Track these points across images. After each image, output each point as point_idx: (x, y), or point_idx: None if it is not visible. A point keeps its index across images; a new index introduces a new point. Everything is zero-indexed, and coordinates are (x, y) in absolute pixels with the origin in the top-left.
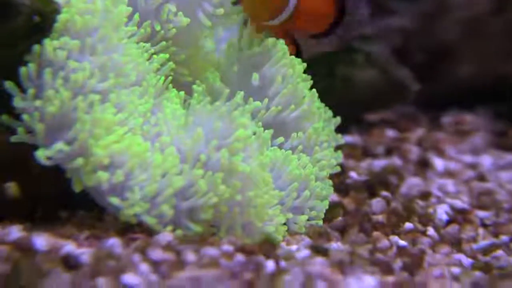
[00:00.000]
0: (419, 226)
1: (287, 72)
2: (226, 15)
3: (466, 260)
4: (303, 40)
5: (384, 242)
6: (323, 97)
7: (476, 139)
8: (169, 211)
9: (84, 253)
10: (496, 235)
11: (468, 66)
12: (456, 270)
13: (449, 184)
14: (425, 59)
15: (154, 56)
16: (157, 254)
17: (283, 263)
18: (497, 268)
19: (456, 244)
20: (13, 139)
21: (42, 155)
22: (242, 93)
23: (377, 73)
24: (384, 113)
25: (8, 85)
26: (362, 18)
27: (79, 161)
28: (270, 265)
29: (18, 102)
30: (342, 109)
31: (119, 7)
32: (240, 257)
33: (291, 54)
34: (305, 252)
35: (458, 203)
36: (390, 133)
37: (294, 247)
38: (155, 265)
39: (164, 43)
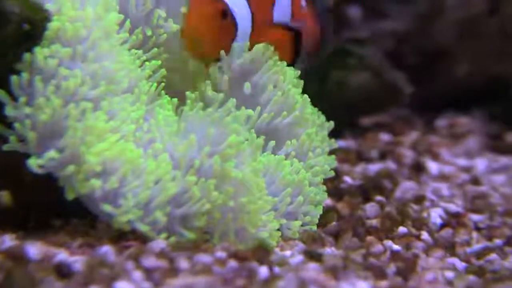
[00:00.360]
0: (413, 230)
1: (279, 78)
2: None
3: (460, 264)
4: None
5: (377, 247)
6: (316, 101)
7: (470, 142)
8: (162, 218)
9: (77, 261)
10: (489, 238)
11: (463, 67)
12: (449, 274)
13: (443, 188)
14: (420, 61)
15: (146, 63)
16: (150, 261)
17: (276, 269)
18: (491, 272)
19: (450, 248)
20: (5, 147)
21: (34, 163)
22: (234, 100)
23: (371, 77)
24: (378, 116)
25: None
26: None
27: (72, 168)
28: (263, 271)
29: (10, 111)
30: (336, 113)
31: (110, 14)
32: (233, 263)
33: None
34: (298, 258)
35: (452, 207)
36: (385, 137)
37: (288, 252)
38: (148, 272)
39: (156, 49)
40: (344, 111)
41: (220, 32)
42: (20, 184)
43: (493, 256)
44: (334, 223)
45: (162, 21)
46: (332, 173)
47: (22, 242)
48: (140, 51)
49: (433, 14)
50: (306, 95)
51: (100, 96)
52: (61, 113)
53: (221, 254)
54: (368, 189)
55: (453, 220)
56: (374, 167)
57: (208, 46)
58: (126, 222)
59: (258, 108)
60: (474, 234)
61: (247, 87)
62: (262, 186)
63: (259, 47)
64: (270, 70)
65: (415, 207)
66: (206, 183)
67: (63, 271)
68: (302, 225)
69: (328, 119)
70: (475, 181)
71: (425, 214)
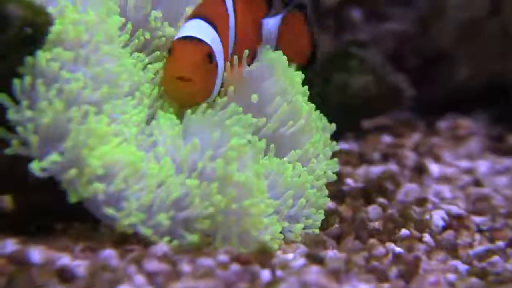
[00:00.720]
0: (415, 233)
1: (286, 87)
2: None
3: (462, 266)
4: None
5: (380, 249)
6: (318, 104)
7: (472, 144)
8: (165, 221)
9: (80, 265)
10: (492, 240)
11: (465, 70)
12: (452, 276)
13: (446, 190)
14: (421, 63)
15: (149, 65)
16: (152, 265)
17: (279, 272)
18: (493, 274)
19: (452, 250)
20: (8, 151)
21: (36, 167)
22: (235, 103)
23: (372, 79)
24: (380, 119)
25: (1, 97)
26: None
27: (74, 172)
28: (265, 274)
29: (12, 114)
30: (338, 116)
31: (112, 17)
32: (235, 267)
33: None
34: (301, 261)
35: (454, 209)
36: (386, 139)
37: (290, 256)
38: (151, 276)
39: (158, 53)
40: (346, 113)
41: (207, 76)
42: (22, 188)
43: (495, 258)
44: (336, 225)
45: (159, 23)
46: (335, 177)
47: (24, 247)
48: (142, 54)
49: (434, 16)
50: (312, 105)
51: (103, 99)
52: (64, 116)
53: (223, 257)
54: (370, 192)
55: (455, 222)
56: (376, 170)
57: (198, 94)
58: (128, 225)
59: (264, 119)
60: (477, 236)
61: (254, 98)
62: (264, 189)
63: (271, 55)
64: (278, 78)
65: (417, 209)
66: (209, 186)
67: (65, 275)
68: (304, 228)
69: (330, 122)
70: (477, 183)
71: (427, 216)
